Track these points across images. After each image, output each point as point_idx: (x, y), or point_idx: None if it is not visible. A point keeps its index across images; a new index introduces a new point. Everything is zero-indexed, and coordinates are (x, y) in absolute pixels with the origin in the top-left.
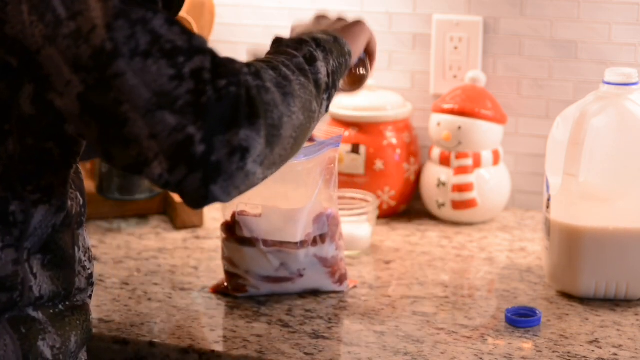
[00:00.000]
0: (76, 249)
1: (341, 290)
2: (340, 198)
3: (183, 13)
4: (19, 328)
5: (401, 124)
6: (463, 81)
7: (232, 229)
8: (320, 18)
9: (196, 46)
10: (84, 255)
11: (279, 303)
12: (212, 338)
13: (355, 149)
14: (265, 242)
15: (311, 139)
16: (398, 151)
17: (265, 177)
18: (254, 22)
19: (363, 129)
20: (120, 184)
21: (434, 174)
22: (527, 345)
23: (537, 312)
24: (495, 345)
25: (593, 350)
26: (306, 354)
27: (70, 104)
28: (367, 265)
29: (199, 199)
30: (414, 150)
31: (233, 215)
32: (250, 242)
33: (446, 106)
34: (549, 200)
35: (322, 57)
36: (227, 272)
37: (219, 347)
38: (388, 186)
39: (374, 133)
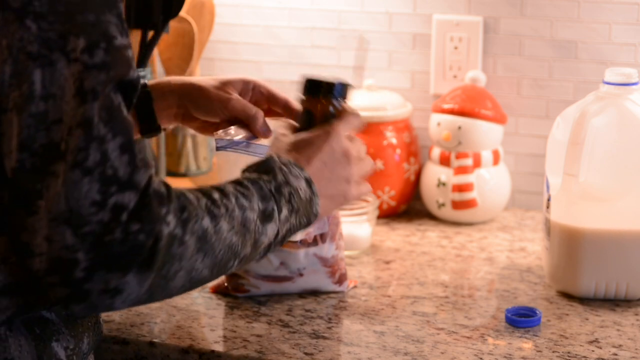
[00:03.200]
0: None
1: (341, 290)
2: None
3: (183, 13)
4: (33, 328)
5: (401, 124)
6: (463, 81)
7: None
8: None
9: (134, 181)
10: None
11: (279, 303)
12: (212, 338)
13: None
14: None
15: None
16: (398, 151)
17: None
18: (254, 22)
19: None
20: None
21: (434, 174)
22: (527, 345)
23: (537, 312)
24: (495, 345)
25: (593, 350)
26: (306, 354)
27: (7, 166)
28: (367, 265)
29: (55, 304)
30: (414, 150)
31: None
32: None
33: (446, 106)
34: (549, 200)
35: (281, 218)
36: None
37: (219, 347)
38: (388, 186)
39: (374, 133)
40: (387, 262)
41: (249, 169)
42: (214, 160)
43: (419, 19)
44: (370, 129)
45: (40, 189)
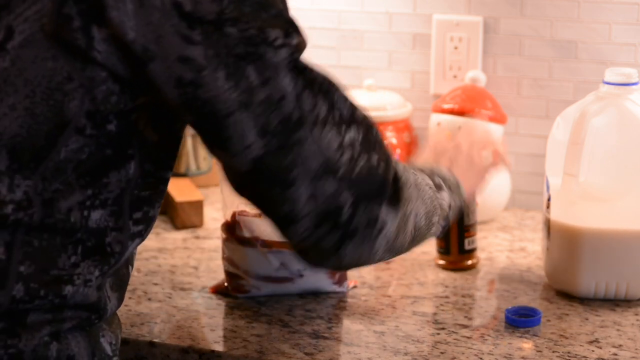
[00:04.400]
0: (129, 267)
1: (341, 291)
2: None
3: None
4: (84, 327)
5: (401, 124)
6: (463, 81)
7: (232, 229)
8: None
9: (357, 118)
10: (131, 271)
11: (279, 303)
12: (212, 338)
13: None
14: (266, 243)
15: None
16: (398, 151)
17: (379, 261)
18: None
19: None
20: None
21: None
22: (527, 345)
23: (537, 312)
24: (495, 345)
25: (593, 350)
26: (306, 354)
27: (240, 164)
28: None
29: (323, 256)
30: (414, 150)
31: (233, 216)
32: (251, 242)
33: (446, 106)
34: (549, 200)
35: (447, 191)
36: (227, 273)
37: (219, 347)
38: None
39: None
40: (387, 262)
41: None
42: (214, 161)
43: (419, 19)
44: None
45: (291, 161)
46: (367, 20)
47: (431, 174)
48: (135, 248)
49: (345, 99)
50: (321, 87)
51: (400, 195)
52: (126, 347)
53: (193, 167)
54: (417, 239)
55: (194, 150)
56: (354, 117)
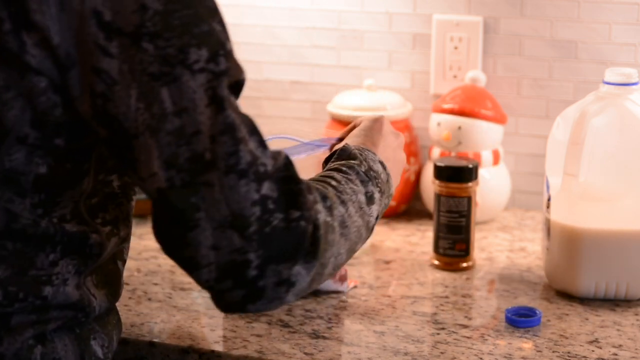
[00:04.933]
0: (119, 263)
1: (341, 290)
2: None
3: None
4: (74, 329)
5: (401, 124)
6: (463, 81)
7: None
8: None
9: (277, 172)
10: (123, 268)
11: None
12: (212, 338)
13: None
14: None
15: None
16: None
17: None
18: (254, 22)
19: None
20: None
21: None
22: (527, 345)
23: (537, 312)
24: (495, 345)
25: (593, 350)
26: (306, 354)
27: (147, 191)
28: (367, 265)
29: (231, 309)
30: (414, 150)
31: None
32: None
33: (446, 106)
34: (549, 200)
35: (378, 199)
36: None
37: (219, 347)
38: None
39: None
40: (387, 262)
41: (333, 157)
42: None
43: (419, 19)
44: None
45: (195, 202)
46: (367, 20)
47: (365, 181)
48: (117, 246)
49: (266, 150)
50: (243, 133)
51: (318, 249)
52: (126, 347)
53: None
54: (335, 272)
55: None
56: (273, 171)
